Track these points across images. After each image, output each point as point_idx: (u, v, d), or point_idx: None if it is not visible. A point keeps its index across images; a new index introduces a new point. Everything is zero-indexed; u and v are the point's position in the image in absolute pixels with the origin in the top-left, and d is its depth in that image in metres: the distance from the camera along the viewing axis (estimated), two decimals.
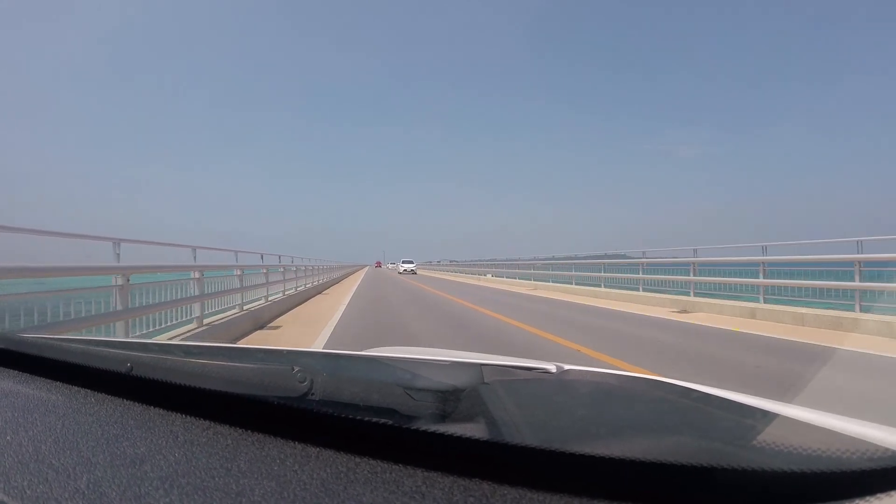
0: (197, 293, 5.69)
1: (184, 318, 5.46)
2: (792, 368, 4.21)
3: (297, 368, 0.63)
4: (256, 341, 6.19)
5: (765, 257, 8.86)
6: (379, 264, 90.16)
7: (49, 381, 0.80)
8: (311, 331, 6.94)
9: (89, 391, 0.75)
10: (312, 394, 0.59)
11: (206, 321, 5.89)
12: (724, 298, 9.21)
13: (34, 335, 0.99)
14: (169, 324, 5.06)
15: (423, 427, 0.51)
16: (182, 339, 4.68)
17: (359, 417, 0.54)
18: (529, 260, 21.91)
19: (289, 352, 0.88)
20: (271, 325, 7.71)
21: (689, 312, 8.90)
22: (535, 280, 19.10)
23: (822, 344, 5.41)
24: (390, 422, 0.52)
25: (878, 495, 0.41)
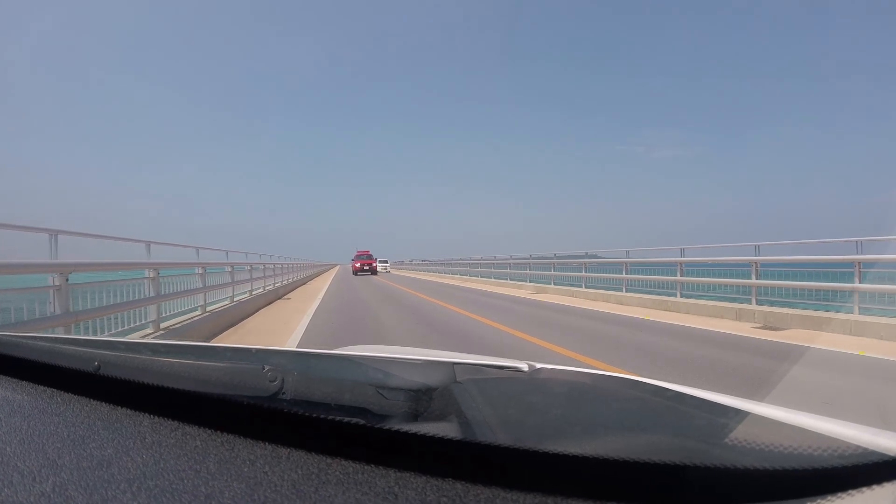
0: None
1: None
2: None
3: (267, 367, 0.63)
4: None
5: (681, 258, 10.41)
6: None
7: (14, 380, 0.78)
8: None
9: (56, 391, 0.73)
10: (283, 393, 0.58)
11: None
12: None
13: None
14: None
15: (396, 427, 0.50)
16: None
17: (330, 417, 0.53)
18: (482, 259, 23.73)
19: (259, 350, 0.86)
20: None
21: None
22: (481, 277, 21.79)
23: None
24: (362, 421, 0.52)
25: (850, 492, 0.42)
